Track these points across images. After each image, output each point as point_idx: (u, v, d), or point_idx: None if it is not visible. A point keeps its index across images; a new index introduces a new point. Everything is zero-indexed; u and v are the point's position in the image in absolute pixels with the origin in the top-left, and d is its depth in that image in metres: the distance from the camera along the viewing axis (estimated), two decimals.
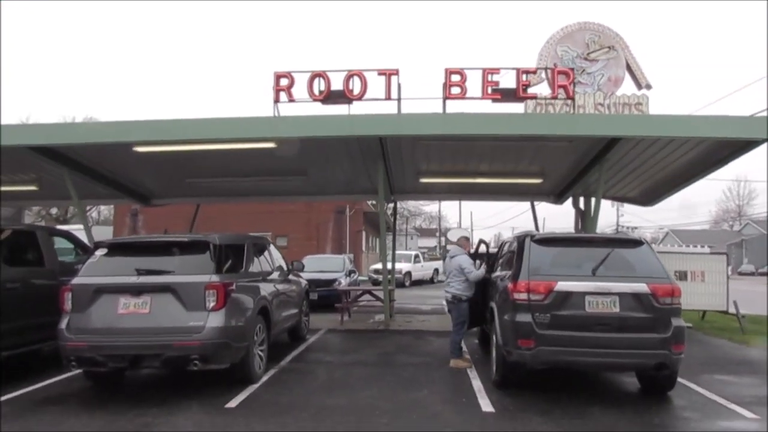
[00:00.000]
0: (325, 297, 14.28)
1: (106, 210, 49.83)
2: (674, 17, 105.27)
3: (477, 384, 6.83)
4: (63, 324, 6.17)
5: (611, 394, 6.68)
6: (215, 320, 6.08)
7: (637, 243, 6.48)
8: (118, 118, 11.02)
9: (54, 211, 42.14)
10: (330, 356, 8.71)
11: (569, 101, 12.90)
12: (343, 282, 15.82)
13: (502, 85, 9.80)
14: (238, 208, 27.50)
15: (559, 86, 9.32)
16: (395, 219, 12.68)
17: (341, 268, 16.96)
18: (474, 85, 9.16)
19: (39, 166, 11.19)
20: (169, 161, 11.27)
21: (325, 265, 16.58)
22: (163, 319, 6.02)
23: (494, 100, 9.38)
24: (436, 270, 33.89)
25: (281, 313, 8.25)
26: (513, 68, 9.36)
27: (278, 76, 9.38)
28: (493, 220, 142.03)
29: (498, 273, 7.91)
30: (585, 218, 13.31)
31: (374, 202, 37.16)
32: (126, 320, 6.05)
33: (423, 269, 31.43)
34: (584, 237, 6.81)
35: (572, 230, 14.70)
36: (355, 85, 9.32)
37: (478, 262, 8.32)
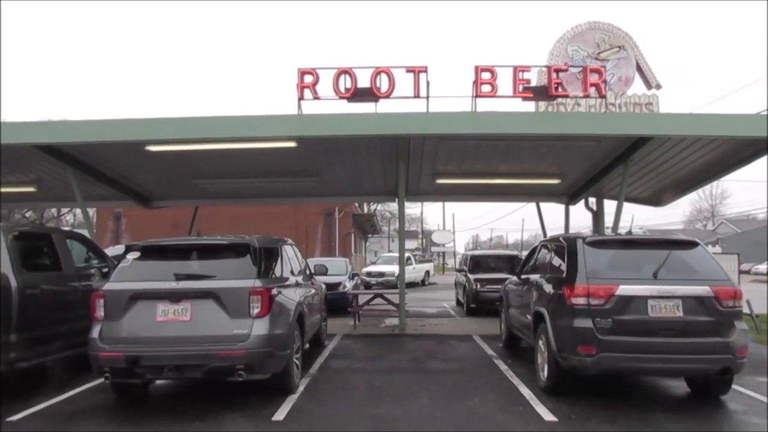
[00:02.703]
0: (331, 301, 13.92)
1: (81, 214, 48.36)
2: (675, 15, 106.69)
3: (525, 391, 6.60)
4: (95, 333, 5.74)
5: (664, 398, 6.51)
6: (260, 328, 5.72)
7: (692, 244, 6.32)
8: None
9: (29, 214, 40.78)
10: (359, 363, 8.38)
11: (580, 101, 12.86)
12: (348, 285, 15.47)
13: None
14: (224, 210, 26.86)
15: (592, 84, 9.18)
16: (402, 221, 12.39)
17: (344, 271, 16.57)
18: (504, 83, 8.95)
19: (40, 165, 10.66)
20: (178, 161, 10.85)
21: (328, 269, 16.17)
22: (206, 326, 5.64)
23: (525, 99, 9.18)
24: (427, 272, 33.77)
25: (311, 319, 7.94)
26: (545, 66, 9.19)
27: (303, 73, 9.02)
28: (475, 222, 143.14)
29: (533, 276, 7.73)
30: (597, 220, 13.27)
31: (357, 203, 37.11)
32: (165, 328, 5.66)
33: (415, 272, 31.17)
34: (639, 239, 6.63)
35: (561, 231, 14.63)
36: (383, 83, 9.02)
37: None
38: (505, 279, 10.73)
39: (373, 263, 31.94)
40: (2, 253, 6.22)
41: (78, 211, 46.56)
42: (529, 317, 7.37)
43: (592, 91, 9.23)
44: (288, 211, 32.72)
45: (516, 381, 7.10)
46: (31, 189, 12.22)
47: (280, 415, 5.67)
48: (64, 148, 9.71)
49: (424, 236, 65.64)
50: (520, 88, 8.92)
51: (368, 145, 9.84)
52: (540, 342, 6.77)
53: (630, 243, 6.51)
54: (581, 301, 5.84)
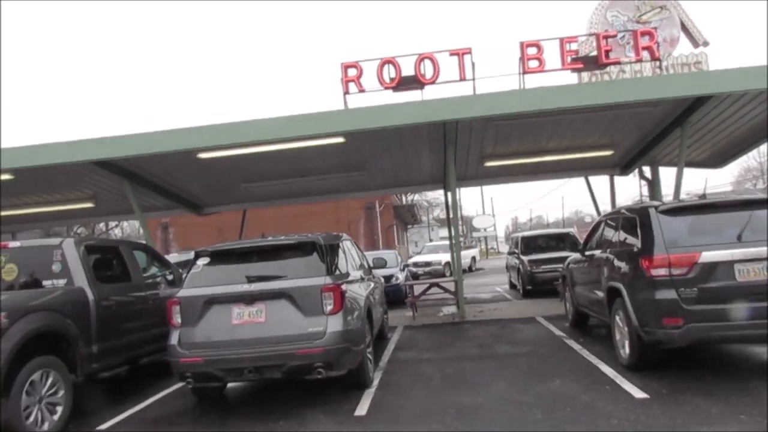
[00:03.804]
0: (386, 293, 13.91)
1: (128, 227, 49.78)
2: None
3: (606, 369, 6.41)
4: (173, 339, 5.83)
5: (754, 366, 6.24)
6: (335, 324, 5.71)
7: None
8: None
9: (80, 230, 42.12)
10: (427, 353, 8.32)
11: (625, 68, 12.43)
12: (400, 277, 15.44)
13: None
14: (266, 212, 27.05)
15: (643, 48, 8.81)
16: (448, 210, 12.18)
17: (395, 263, 16.54)
18: (551, 57, 8.67)
19: (96, 181, 10.94)
20: (227, 166, 10.95)
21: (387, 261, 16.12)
22: (282, 326, 5.67)
23: (574, 70, 8.90)
24: (473, 258, 33.46)
25: (377, 313, 7.91)
26: (590, 34, 8.87)
27: (346, 67, 8.96)
28: (511, 204, 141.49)
29: (600, 252, 7.49)
30: (654, 188, 12.83)
31: (395, 195, 36.87)
32: (242, 331, 5.71)
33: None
34: (715, 202, 6.31)
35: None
36: (427, 69, 8.88)
37: None
38: (560, 258, 10.47)
39: (417, 253, 31.86)
40: (78, 267, 6.40)
41: (125, 224, 48.09)
42: (601, 294, 7.16)
43: (643, 55, 8.87)
44: (329, 208, 32.83)
45: (594, 359, 6.91)
46: (89, 205, 12.59)
47: (361, 410, 5.65)
48: (121, 162, 9.92)
49: (464, 222, 65.10)
50: (568, 59, 8.63)
51: (414, 133, 9.72)
52: (617, 318, 6.55)
53: (705, 207, 6.20)
54: (662, 272, 5.61)
